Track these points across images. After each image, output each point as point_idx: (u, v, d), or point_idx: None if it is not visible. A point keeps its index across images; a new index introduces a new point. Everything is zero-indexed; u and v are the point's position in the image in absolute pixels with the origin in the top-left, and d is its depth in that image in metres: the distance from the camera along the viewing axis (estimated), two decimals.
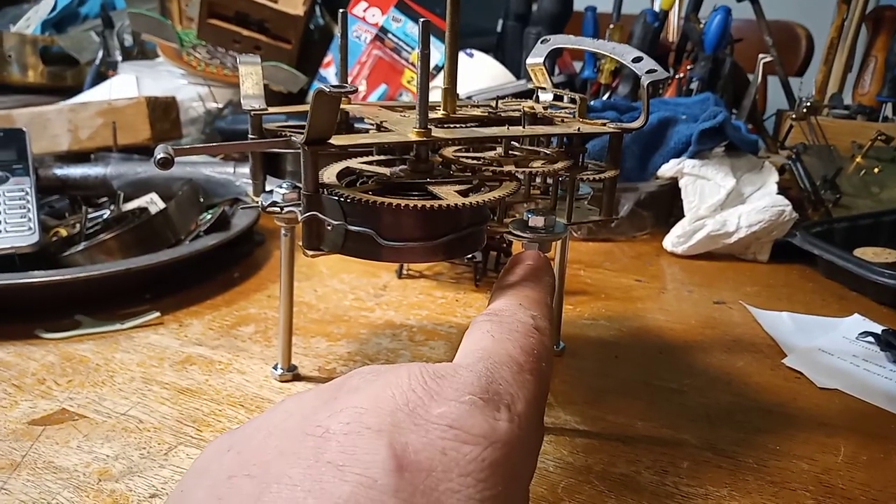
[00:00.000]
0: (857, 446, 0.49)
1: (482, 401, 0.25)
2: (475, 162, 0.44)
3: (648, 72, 0.45)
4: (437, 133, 0.41)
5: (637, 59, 0.47)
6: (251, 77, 0.50)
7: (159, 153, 0.37)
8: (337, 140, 0.38)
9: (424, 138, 0.40)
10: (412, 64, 1.27)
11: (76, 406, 0.50)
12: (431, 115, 0.45)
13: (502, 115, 0.51)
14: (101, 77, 1.32)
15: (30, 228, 0.67)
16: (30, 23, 1.59)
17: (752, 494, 0.44)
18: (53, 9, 1.61)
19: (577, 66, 1.41)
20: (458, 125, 0.47)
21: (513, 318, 0.31)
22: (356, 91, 0.42)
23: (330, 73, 1.29)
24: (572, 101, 0.53)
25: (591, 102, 1.00)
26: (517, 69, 1.26)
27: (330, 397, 0.26)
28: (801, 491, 0.44)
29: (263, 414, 0.28)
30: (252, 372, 0.56)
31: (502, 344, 0.29)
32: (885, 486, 0.45)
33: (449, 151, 0.45)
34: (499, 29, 1.42)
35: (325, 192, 0.38)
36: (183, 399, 0.51)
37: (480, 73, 1.21)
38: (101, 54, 1.38)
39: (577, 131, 0.46)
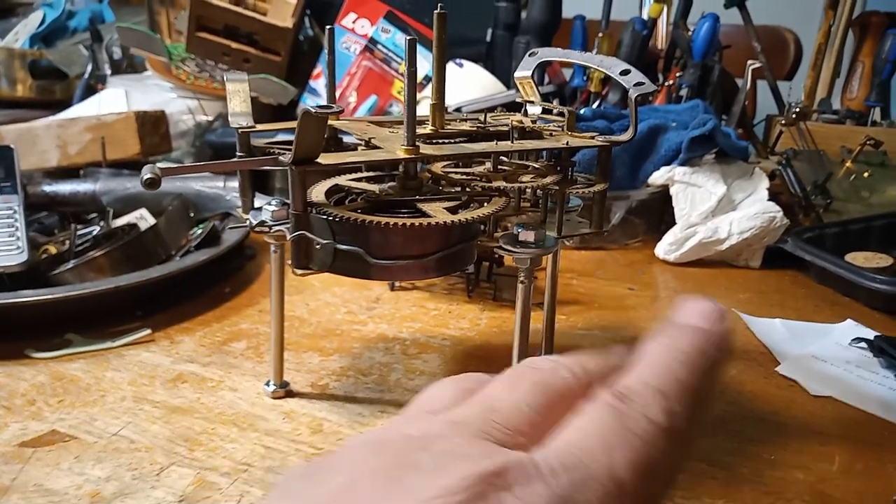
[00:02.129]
0: (852, 454, 0.49)
1: None
2: (464, 178, 0.44)
3: (636, 84, 0.45)
4: (426, 150, 0.41)
5: (625, 72, 0.47)
6: (238, 94, 0.49)
7: (146, 174, 0.37)
8: (325, 159, 0.38)
9: (413, 155, 0.40)
10: (402, 74, 1.27)
11: (67, 427, 0.49)
12: (420, 130, 0.45)
13: (491, 129, 0.51)
14: (90, 91, 1.32)
15: (18, 247, 0.67)
16: (18, 37, 1.59)
17: None
18: (42, 23, 1.61)
19: (567, 74, 1.41)
20: (446, 141, 0.47)
21: (640, 414, 0.24)
22: (342, 111, 0.42)
23: (320, 84, 1.29)
24: (560, 113, 0.53)
25: (581, 111, 1.01)
26: (507, 78, 1.26)
27: (387, 485, 0.23)
28: (796, 501, 0.44)
29: (320, 465, 0.24)
30: (244, 389, 0.56)
31: (608, 452, 0.23)
32: (880, 495, 0.45)
33: (438, 167, 0.45)
34: (488, 38, 1.43)
35: (314, 211, 0.38)
36: (175, 418, 0.51)
37: (470, 83, 1.21)
38: (90, 68, 1.37)
39: (565, 145, 0.46)
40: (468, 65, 1.25)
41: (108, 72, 1.38)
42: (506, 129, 0.51)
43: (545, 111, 0.55)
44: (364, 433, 0.26)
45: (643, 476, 0.23)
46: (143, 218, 0.83)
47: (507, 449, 0.23)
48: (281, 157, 0.43)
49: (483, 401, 0.26)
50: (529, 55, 0.54)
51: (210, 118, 1.19)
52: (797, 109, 1.11)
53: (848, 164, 1.02)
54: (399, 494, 0.22)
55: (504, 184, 0.44)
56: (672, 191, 0.91)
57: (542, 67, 1.31)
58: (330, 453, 0.25)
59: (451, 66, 1.21)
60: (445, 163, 0.46)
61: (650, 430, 0.23)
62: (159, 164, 0.38)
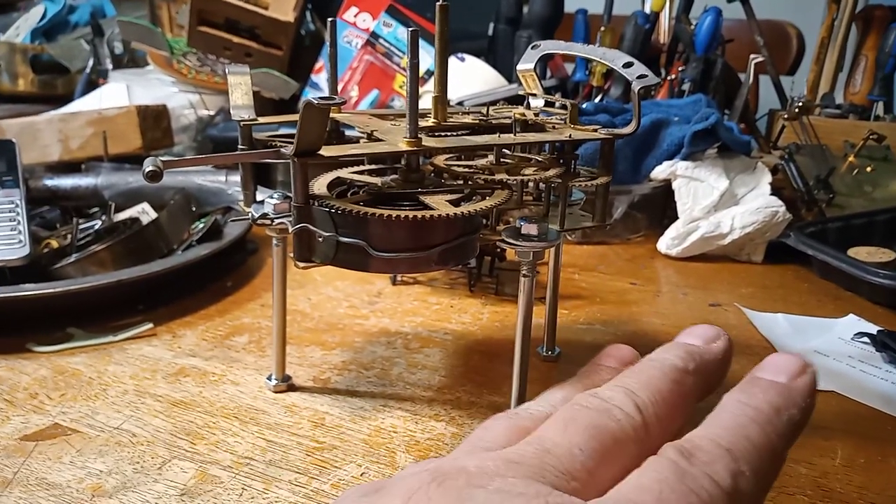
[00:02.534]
0: (854, 449, 0.49)
1: None
2: (466, 170, 0.43)
3: (639, 77, 0.45)
4: (428, 142, 0.41)
5: (628, 65, 0.46)
6: (240, 87, 0.49)
7: (148, 166, 0.37)
8: (326, 151, 0.38)
9: (415, 148, 0.40)
10: (404, 69, 1.27)
11: (69, 420, 0.49)
12: (422, 123, 0.45)
13: (493, 122, 0.51)
14: (91, 85, 1.32)
15: (20, 241, 0.66)
16: (19, 31, 1.59)
17: None
18: (43, 17, 1.61)
19: (569, 68, 1.41)
20: (448, 133, 0.46)
21: (703, 472, 0.23)
22: (345, 102, 0.42)
23: (321, 78, 1.29)
24: (563, 106, 0.53)
25: (583, 105, 1.00)
26: (509, 73, 1.26)
27: None
28: (799, 495, 0.44)
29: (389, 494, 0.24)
30: (246, 383, 0.55)
31: None
32: (883, 489, 0.45)
33: (440, 160, 0.45)
34: (490, 32, 1.42)
35: (316, 204, 0.38)
36: (177, 412, 0.51)
37: (472, 78, 1.21)
38: (91, 63, 1.37)
39: (568, 138, 0.46)
40: (470, 59, 1.25)
41: (110, 66, 1.37)
42: (508, 122, 0.50)
43: (548, 104, 0.55)
44: (420, 462, 0.26)
45: None
46: (144, 212, 0.83)
47: (561, 492, 0.23)
48: (283, 150, 0.43)
49: (538, 442, 0.25)
50: (532, 48, 0.54)
51: (212, 113, 1.19)
52: (800, 104, 1.11)
53: (851, 158, 1.02)
54: None
55: (507, 177, 0.44)
56: (674, 185, 0.91)
57: (544, 62, 1.31)
58: (388, 478, 0.25)
59: (452, 61, 1.20)
60: (447, 156, 0.46)
61: (713, 491, 0.22)
62: (161, 158, 0.38)
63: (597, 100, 1.27)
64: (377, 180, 0.42)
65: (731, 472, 0.23)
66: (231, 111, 0.49)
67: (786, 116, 1.13)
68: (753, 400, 0.26)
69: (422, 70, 1.19)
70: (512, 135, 0.47)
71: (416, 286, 0.76)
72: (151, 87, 1.22)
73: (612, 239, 0.95)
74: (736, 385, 0.26)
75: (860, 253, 0.83)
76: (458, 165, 0.45)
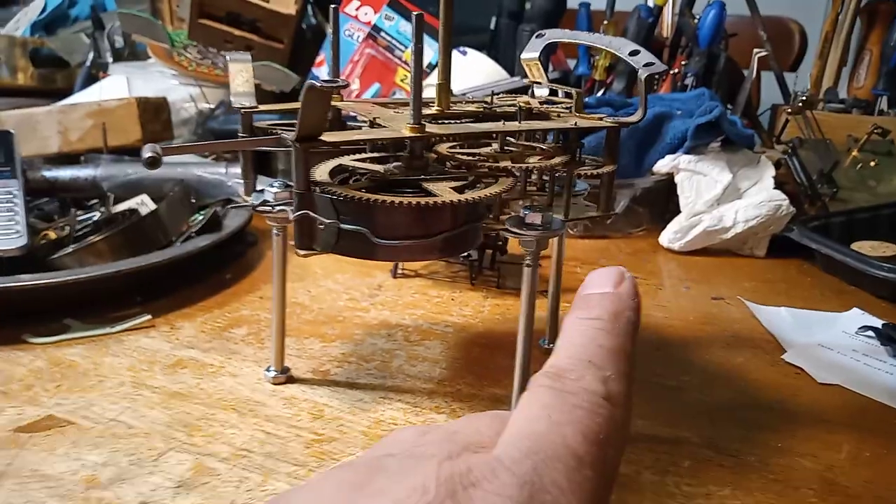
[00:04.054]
0: (860, 442, 0.49)
1: None
2: (470, 158, 0.43)
3: (646, 65, 0.44)
4: (432, 129, 0.40)
5: (634, 53, 0.46)
6: (241, 74, 0.49)
7: (147, 152, 0.36)
8: (329, 137, 0.37)
9: (419, 134, 0.39)
10: (405, 62, 1.26)
11: (64, 412, 0.49)
12: (426, 111, 0.44)
13: (497, 110, 0.50)
14: (92, 79, 1.31)
15: (17, 231, 0.66)
16: (19, 25, 1.58)
17: (755, 494, 0.43)
18: (43, 10, 1.60)
19: (571, 63, 1.40)
20: (452, 121, 0.46)
21: (578, 387, 0.25)
22: (347, 86, 0.42)
23: (322, 72, 1.28)
24: (568, 95, 0.52)
25: (586, 99, 1.00)
26: (511, 67, 1.25)
27: (353, 492, 0.23)
28: (804, 489, 0.43)
29: (287, 497, 0.25)
30: (244, 374, 0.55)
31: (559, 430, 0.24)
32: (889, 483, 0.44)
33: (444, 148, 0.44)
34: (492, 27, 1.42)
35: (317, 191, 0.37)
36: (174, 403, 0.50)
37: (474, 71, 1.20)
38: (91, 56, 1.37)
39: (573, 126, 0.45)
40: (472, 53, 1.24)
41: (110, 59, 1.37)
42: (512, 110, 0.50)
43: (552, 93, 0.55)
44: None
45: (596, 444, 0.23)
46: (143, 203, 0.82)
47: (469, 452, 0.24)
48: (284, 135, 0.42)
49: (443, 429, 0.26)
50: (537, 37, 0.53)
51: (212, 106, 1.18)
52: (803, 98, 1.10)
53: (854, 153, 1.01)
54: (369, 498, 0.22)
55: (511, 164, 0.43)
56: (677, 179, 0.90)
57: (547, 56, 1.30)
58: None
59: (454, 54, 1.19)
60: (451, 144, 0.46)
61: (593, 399, 0.24)
62: (161, 144, 0.37)
63: (599, 94, 1.27)
64: (380, 168, 0.41)
65: (600, 379, 0.25)
66: (231, 98, 0.48)
67: (789, 111, 1.12)
68: (593, 313, 0.28)
69: (424, 63, 1.19)
70: (517, 122, 0.47)
71: (416, 279, 0.76)
72: (152, 80, 1.22)
73: (614, 233, 0.94)
74: (571, 309, 0.28)
75: (864, 247, 0.83)
76: (462, 153, 0.44)
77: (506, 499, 0.21)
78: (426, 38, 1.18)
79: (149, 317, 0.63)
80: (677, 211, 0.89)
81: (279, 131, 0.46)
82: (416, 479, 0.22)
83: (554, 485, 0.22)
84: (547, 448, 0.23)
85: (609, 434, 0.24)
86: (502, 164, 0.43)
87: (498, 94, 0.56)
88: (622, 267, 0.30)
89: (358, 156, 0.44)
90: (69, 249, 0.68)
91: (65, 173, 0.89)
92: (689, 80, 1.17)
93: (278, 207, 0.44)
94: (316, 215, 0.37)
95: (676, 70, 1.21)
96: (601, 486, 0.23)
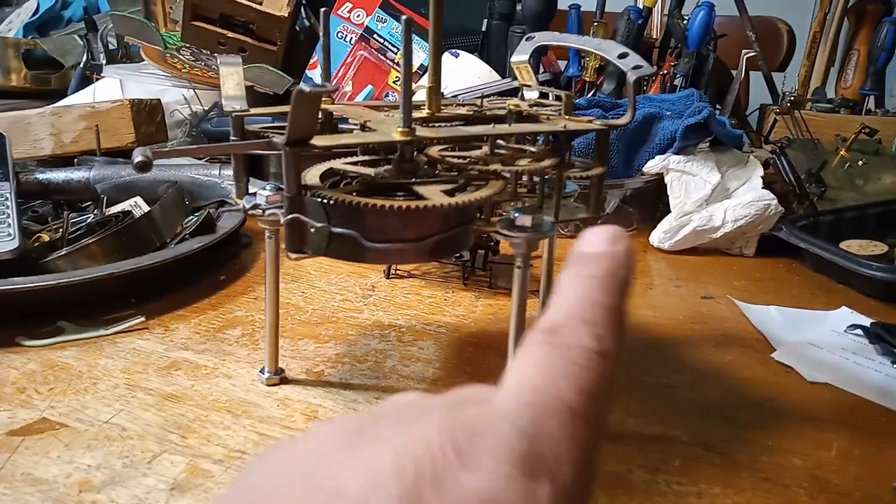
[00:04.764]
0: (850, 440, 0.49)
1: (521, 472, 0.22)
2: (461, 161, 0.43)
3: (634, 67, 0.45)
4: (422, 132, 0.41)
5: (623, 55, 0.46)
6: (232, 78, 0.49)
7: (137, 156, 0.36)
8: (319, 140, 0.37)
9: (408, 138, 0.40)
10: (398, 64, 1.26)
11: (57, 415, 0.49)
12: (416, 114, 0.45)
13: (488, 113, 0.51)
14: (85, 81, 1.31)
15: (10, 234, 0.66)
16: (11, 26, 1.58)
17: (745, 492, 0.43)
18: (36, 12, 1.60)
19: (562, 64, 1.41)
20: (443, 124, 0.46)
21: (572, 342, 0.26)
22: (337, 90, 0.42)
23: (316, 74, 1.28)
24: (558, 98, 0.52)
25: (576, 100, 1.00)
26: (502, 68, 1.25)
27: (353, 436, 0.24)
28: (794, 487, 0.44)
29: (286, 444, 0.25)
30: (239, 376, 0.55)
31: (555, 383, 0.24)
32: (878, 480, 0.45)
33: (434, 151, 0.45)
34: (483, 28, 1.42)
35: (308, 194, 0.38)
36: (168, 405, 0.51)
37: (466, 73, 1.20)
38: (84, 58, 1.36)
39: (563, 128, 0.45)
40: (464, 55, 1.25)
41: (104, 61, 1.37)
42: (503, 113, 0.50)
43: (542, 96, 0.55)
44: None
45: (589, 397, 0.24)
46: (137, 206, 0.82)
47: (470, 404, 0.25)
48: (274, 139, 0.43)
49: (445, 394, 0.27)
50: (526, 39, 0.54)
51: (205, 108, 1.18)
52: (791, 98, 1.11)
53: (842, 152, 1.02)
54: (373, 445, 0.23)
55: (501, 167, 0.44)
56: (667, 179, 0.91)
57: (537, 57, 1.31)
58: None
59: (446, 57, 1.20)
60: (441, 147, 0.46)
61: (587, 354, 0.25)
62: (152, 148, 0.38)
63: (589, 95, 1.27)
64: (370, 171, 0.42)
65: (593, 335, 0.26)
66: (222, 101, 0.48)
67: (777, 111, 1.13)
68: (589, 270, 0.28)
69: (415, 65, 1.19)
70: (507, 125, 0.47)
71: (409, 280, 0.76)
72: (145, 82, 1.21)
73: None
74: (567, 265, 0.29)
75: (852, 246, 0.83)
76: (453, 156, 0.44)
77: (506, 448, 0.22)
78: (418, 41, 1.19)
79: (143, 319, 0.63)
80: (667, 211, 0.90)
81: (270, 135, 0.46)
82: (417, 428, 0.23)
83: (550, 436, 0.23)
84: (544, 400, 0.24)
85: (601, 388, 0.25)
86: (493, 166, 0.44)
87: (488, 96, 0.56)
88: (618, 227, 0.30)
89: (349, 159, 0.45)
90: (62, 252, 0.68)
91: (58, 175, 0.89)
92: (678, 81, 1.18)
93: (269, 211, 0.44)
94: (307, 219, 0.38)
95: (666, 71, 1.22)
96: (593, 439, 0.24)
